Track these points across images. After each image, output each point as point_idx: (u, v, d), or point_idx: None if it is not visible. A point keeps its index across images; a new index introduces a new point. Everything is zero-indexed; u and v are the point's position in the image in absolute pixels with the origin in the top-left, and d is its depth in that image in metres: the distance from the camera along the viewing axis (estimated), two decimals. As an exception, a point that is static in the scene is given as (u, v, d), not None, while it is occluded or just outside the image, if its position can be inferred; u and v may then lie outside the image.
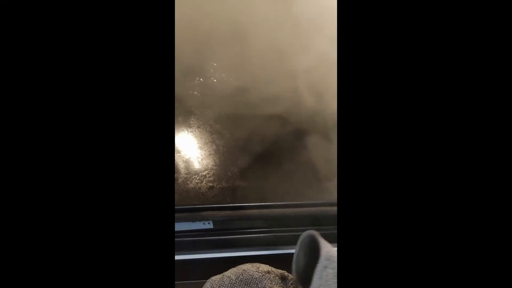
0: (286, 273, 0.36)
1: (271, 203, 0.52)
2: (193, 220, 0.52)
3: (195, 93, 0.67)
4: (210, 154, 0.58)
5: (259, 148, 0.58)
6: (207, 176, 0.55)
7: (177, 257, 0.53)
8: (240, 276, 0.36)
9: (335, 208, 0.50)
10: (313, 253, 0.36)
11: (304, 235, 0.39)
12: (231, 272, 0.38)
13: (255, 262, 0.41)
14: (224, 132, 0.61)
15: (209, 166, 0.56)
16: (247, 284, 0.36)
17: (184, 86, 0.67)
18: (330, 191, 0.53)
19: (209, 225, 0.53)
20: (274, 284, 0.34)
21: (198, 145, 0.59)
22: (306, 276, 0.35)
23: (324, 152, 0.58)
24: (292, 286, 0.34)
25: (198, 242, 0.53)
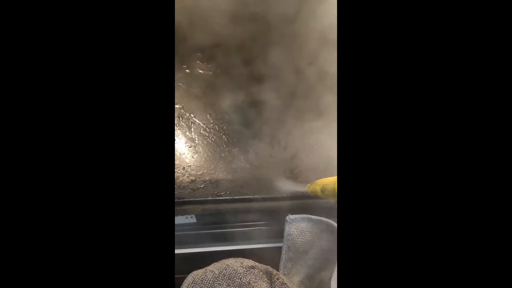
0: (270, 269, 0.36)
1: (253, 197, 0.51)
2: (176, 214, 0.50)
3: (180, 84, 0.65)
4: (194, 146, 0.56)
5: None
6: (189, 169, 0.53)
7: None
8: (224, 270, 0.36)
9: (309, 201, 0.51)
10: None
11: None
12: (214, 267, 0.37)
13: (238, 256, 0.40)
14: (210, 125, 0.60)
15: (192, 159, 0.55)
16: (230, 278, 0.35)
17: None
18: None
19: (192, 219, 0.52)
20: (259, 279, 0.34)
21: (182, 137, 0.58)
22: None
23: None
24: (278, 281, 0.33)
25: (180, 236, 0.52)
